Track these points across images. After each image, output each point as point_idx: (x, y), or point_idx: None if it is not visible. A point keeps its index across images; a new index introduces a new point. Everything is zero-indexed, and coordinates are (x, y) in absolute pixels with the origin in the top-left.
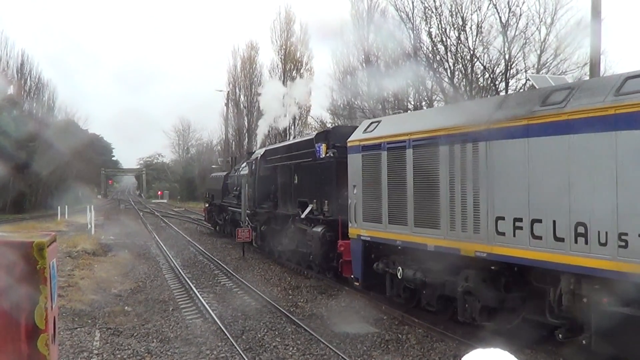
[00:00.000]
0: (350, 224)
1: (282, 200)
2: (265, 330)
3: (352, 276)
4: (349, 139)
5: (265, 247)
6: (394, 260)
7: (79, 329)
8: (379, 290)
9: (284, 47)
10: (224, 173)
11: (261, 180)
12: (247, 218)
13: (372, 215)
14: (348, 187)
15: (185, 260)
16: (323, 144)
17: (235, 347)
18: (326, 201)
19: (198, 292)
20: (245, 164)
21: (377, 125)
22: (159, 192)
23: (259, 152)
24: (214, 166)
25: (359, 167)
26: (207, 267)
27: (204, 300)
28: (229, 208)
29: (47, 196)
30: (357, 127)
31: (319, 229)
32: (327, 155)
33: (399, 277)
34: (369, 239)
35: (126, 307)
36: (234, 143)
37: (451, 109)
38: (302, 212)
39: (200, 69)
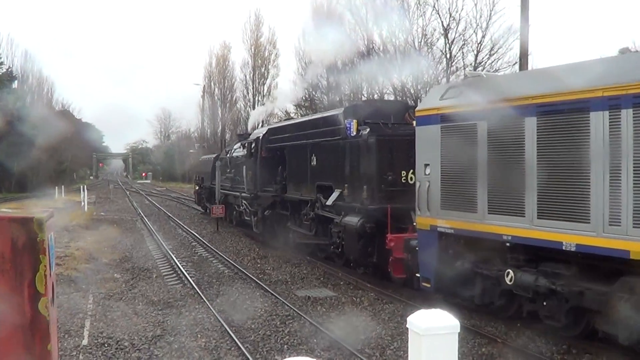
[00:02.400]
0: (418, 212)
1: (293, 183)
2: (237, 294)
3: (400, 277)
4: (418, 108)
5: (266, 234)
6: (495, 260)
7: (74, 293)
8: (455, 293)
9: (253, 46)
10: (214, 155)
11: (264, 161)
12: (240, 199)
13: (457, 201)
14: (416, 166)
15: (166, 233)
16: (354, 121)
17: (211, 309)
18: (365, 186)
19: (178, 261)
20: (239, 145)
21: (464, 90)
22: (144, 174)
23: (258, 131)
24: (191, 151)
25: (436, 141)
26: (186, 240)
27: (183, 268)
28: (221, 191)
29: (47, 177)
30: (390, 100)
31: (354, 219)
32: (361, 133)
33: (508, 282)
34: (450, 231)
35: (115, 275)
36: (209, 131)
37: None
38: (324, 198)
39: (179, 65)
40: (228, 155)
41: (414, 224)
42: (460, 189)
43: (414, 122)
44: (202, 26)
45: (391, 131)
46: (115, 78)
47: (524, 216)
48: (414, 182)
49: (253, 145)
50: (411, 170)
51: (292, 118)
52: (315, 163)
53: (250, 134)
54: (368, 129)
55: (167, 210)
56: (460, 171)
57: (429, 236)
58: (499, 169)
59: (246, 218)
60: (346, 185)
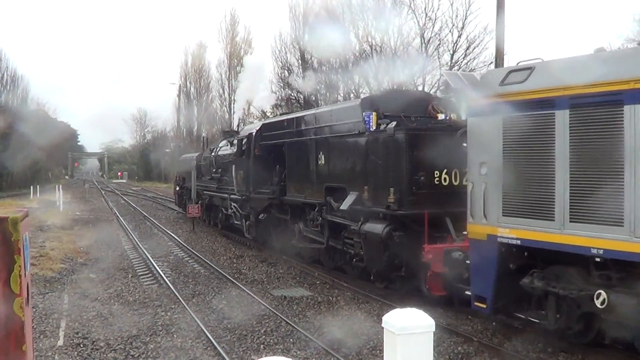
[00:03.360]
0: (470, 219)
1: (294, 185)
2: (213, 294)
3: (439, 294)
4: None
5: (260, 239)
6: (576, 278)
7: (49, 293)
8: (518, 315)
9: (229, 45)
10: (196, 154)
11: (258, 160)
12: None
13: (526, 207)
14: (468, 165)
15: (142, 233)
16: (373, 113)
17: (187, 309)
18: (391, 189)
19: (154, 261)
20: (225, 142)
21: (530, 74)
22: (119, 173)
23: (250, 127)
24: (167, 150)
25: (496, 134)
26: (162, 239)
27: (159, 268)
28: (205, 192)
29: (22, 177)
30: (411, 90)
31: (378, 227)
32: (384, 127)
33: (599, 305)
34: (515, 241)
35: (91, 275)
36: (184, 130)
37: None
38: (335, 202)
39: (155, 64)
40: (213, 153)
41: (464, 232)
42: (529, 192)
43: (439, 115)
44: (177, 26)
45: (420, 125)
46: (90, 78)
47: (622, 226)
48: (450, 183)
49: (245, 142)
50: (445, 170)
51: (291, 112)
52: (323, 162)
53: (237, 131)
54: (394, 122)
55: (143, 210)
56: (530, 171)
57: (486, 247)
58: (586, 168)
59: (236, 222)
60: (366, 187)
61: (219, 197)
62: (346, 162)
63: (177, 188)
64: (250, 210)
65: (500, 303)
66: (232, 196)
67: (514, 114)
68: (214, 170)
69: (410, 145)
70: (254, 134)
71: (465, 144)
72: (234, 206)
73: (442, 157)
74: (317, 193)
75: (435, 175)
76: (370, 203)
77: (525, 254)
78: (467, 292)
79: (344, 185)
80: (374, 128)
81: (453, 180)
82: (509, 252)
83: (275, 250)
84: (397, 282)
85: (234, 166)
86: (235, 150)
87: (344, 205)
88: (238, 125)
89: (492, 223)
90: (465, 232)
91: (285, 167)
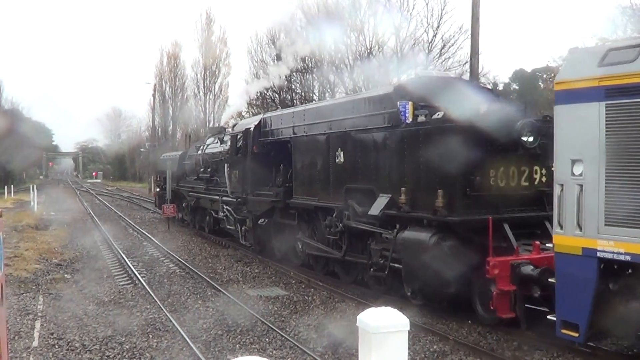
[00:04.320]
0: (558, 230)
1: (303, 186)
2: (189, 294)
3: (507, 317)
4: (558, 80)
5: (258, 246)
6: None
7: (24, 294)
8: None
9: (204, 44)
10: (179, 153)
11: (257, 159)
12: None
13: (638, 214)
14: (556, 162)
15: (117, 233)
16: (410, 103)
17: (162, 309)
18: (440, 191)
19: (129, 261)
20: (214, 140)
21: None
22: (94, 173)
23: (246, 122)
24: (142, 150)
25: (596, 125)
26: (137, 239)
27: (134, 268)
28: (191, 193)
29: None
30: (447, 75)
31: (422, 235)
32: (421, 118)
33: None
34: (624, 257)
35: (66, 275)
36: (160, 129)
37: None
38: (360, 206)
39: (130, 64)
40: (200, 152)
41: (548, 244)
42: None
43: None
44: (153, 25)
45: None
46: (66, 77)
47: None
48: (508, 184)
49: (241, 139)
50: (502, 169)
51: (295, 106)
52: (342, 160)
53: (225, 128)
54: (442, 113)
55: (118, 210)
56: None
57: (581, 264)
58: None
59: (228, 227)
60: (403, 189)
61: (208, 199)
62: (374, 160)
63: (158, 189)
64: (247, 214)
65: (601, 332)
66: (224, 198)
67: (625, 100)
68: (202, 169)
69: (464, 140)
70: (251, 129)
71: (526, 138)
72: (226, 209)
73: (499, 154)
74: (334, 195)
75: (491, 175)
76: (408, 207)
77: (629, 271)
78: (551, 317)
79: (371, 186)
80: (410, 120)
81: (510, 181)
82: (613, 269)
83: (277, 259)
84: (443, 301)
85: (226, 165)
86: (227, 147)
87: (374, 210)
88: (227, 122)
89: (589, 234)
90: (538, 243)
91: (291, 167)
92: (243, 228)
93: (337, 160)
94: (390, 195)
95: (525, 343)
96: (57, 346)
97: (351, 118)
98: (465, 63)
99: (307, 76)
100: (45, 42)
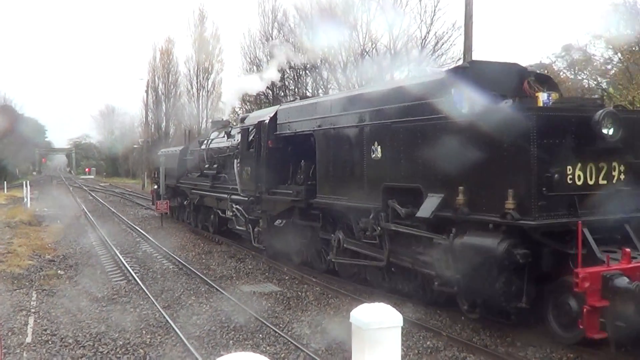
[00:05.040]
0: None
1: (330, 184)
2: (182, 290)
3: (598, 337)
4: None
5: (272, 249)
6: None
7: (17, 290)
8: None
9: (197, 41)
10: (179, 148)
11: (272, 154)
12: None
13: None
14: None
15: (110, 230)
16: (464, 91)
17: (156, 305)
18: (510, 190)
19: (122, 257)
20: (219, 134)
21: None
22: (87, 169)
23: (258, 114)
24: (135, 146)
25: None
26: (130, 235)
27: (127, 264)
28: (193, 191)
29: None
30: (500, 61)
31: (489, 241)
32: (481, 107)
33: None
34: None
35: (59, 271)
36: (153, 126)
37: None
38: (400, 206)
39: (124, 60)
40: (204, 146)
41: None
42: None
43: (539, 95)
44: (146, 22)
45: (558, 104)
46: (59, 74)
47: None
48: (585, 182)
49: (253, 132)
50: (578, 165)
51: (318, 96)
52: (379, 155)
53: (229, 121)
54: (510, 101)
55: (111, 206)
56: None
57: None
58: None
59: (238, 227)
60: (461, 188)
61: (214, 198)
62: (422, 155)
63: (156, 187)
64: (260, 214)
65: None
66: (233, 197)
67: None
68: (207, 166)
69: (539, 131)
70: (266, 122)
71: (606, 130)
72: (236, 209)
73: (576, 148)
74: (369, 195)
75: (568, 172)
76: (467, 209)
77: None
78: None
79: (418, 185)
80: (466, 110)
81: (588, 178)
82: None
83: (295, 265)
84: (509, 316)
85: (236, 161)
86: (236, 142)
87: (424, 212)
88: (230, 116)
89: None
90: (629, 250)
91: (313, 163)
92: (256, 229)
93: (374, 156)
94: (442, 195)
95: (519, 339)
96: (50, 342)
97: (392, 108)
98: (458, 60)
99: (301, 72)
100: (38, 39)
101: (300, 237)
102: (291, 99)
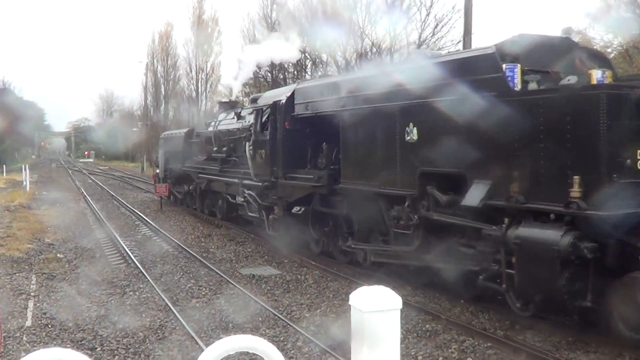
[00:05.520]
0: None
1: (357, 168)
2: (181, 274)
3: None
4: None
5: (288, 237)
6: None
7: (17, 274)
8: None
9: (196, 23)
10: (184, 130)
11: (290, 136)
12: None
13: None
14: None
15: (109, 213)
16: (518, 66)
17: (155, 289)
18: (575, 177)
19: (122, 240)
20: (228, 115)
21: None
22: (86, 153)
23: (273, 94)
24: (134, 129)
25: None
26: (129, 219)
27: (127, 247)
28: (200, 175)
29: None
30: (549, 34)
31: (552, 234)
32: (532, 85)
33: None
34: None
35: (58, 255)
36: (152, 109)
37: None
38: (440, 192)
39: (123, 43)
40: (212, 128)
41: None
42: None
43: (592, 72)
44: (145, 4)
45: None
46: (58, 57)
47: None
48: None
49: (268, 113)
50: None
51: (342, 73)
52: (415, 137)
53: (237, 102)
54: (574, 78)
55: (110, 189)
56: None
57: None
58: None
59: (250, 214)
60: (516, 173)
61: (223, 183)
62: (466, 138)
63: (158, 171)
64: (276, 200)
65: None
66: (245, 182)
67: None
68: (216, 149)
69: (608, 112)
70: (283, 102)
71: None
72: (248, 194)
73: None
74: (403, 181)
75: (639, 156)
76: (523, 197)
77: None
78: None
79: (461, 170)
80: (519, 87)
81: None
82: None
83: (312, 254)
84: (570, 314)
85: (248, 144)
86: (248, 123)
87: (471, 200)
88: (237, 96)
89: None
90: None
91: (336, 145)
92: (270, 216)
93: (408, 138)
94: (491, 182)
95: (517, 322)
96: (50, 326)
97: (430, 85)
98: (458, 42)
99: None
100: (37, 23)
101: (320, 225)
102: (290, 82)
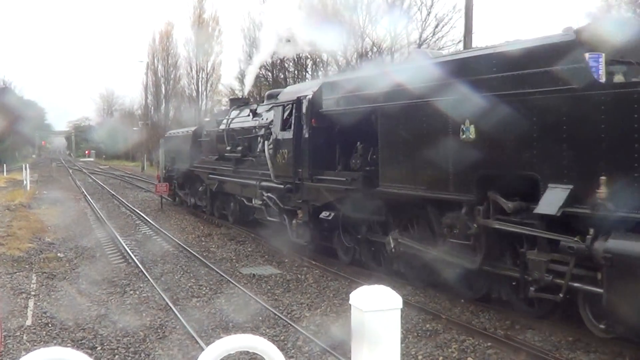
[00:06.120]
0: None
1: (399, 170)
2: (182, 273)
3: None
4: None
5: (315, 245)
6: None
7: (17, 273)
8: None
9: (197, 23)
10: (192, 129)
11: (317, 134)
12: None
13: None
14: None
15: (110, 212)
16: (602, 55)
17: (156, 288)
18: None
19: (122, 239)
20: (239, 112)
21: None
22: (87, 152)
23: (295, 89)
24: (135, 129)
25: None
26: (130, 218)
27: (127, 246)
28: (211, 176)
29: None
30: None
31: None
32: (618, 77)
33: None
34: None
35: (59, 254)
36: (152, 108)
37: None
38: (504, 198)
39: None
40: (223, 126)
41: None
42: None
43: None
44: (146, 4)
45: None
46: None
47: None
48: None
49: (291, 109)
50: None
51: (380, 66)
52: (474, 135)
53: (247, 98)
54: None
55: (111, 188)
56: None
57: None
58: None
59: (269, 218)
60: (603, 178)
61: (237, 184)
62: (539, 136)
63: (163, 171)
64: (301, 204)
65: None
66: (263, 183)
67: None
68: (229, 148)
69: None
70: (309, 97)
71: None
72: (266, 197)
73: None
74: (457, 184)
75: None
76: (613, 205)
77: None
78: None
79: (532, 172)
80: (603, 79)
81: None
82: None
83: (344, 264)
84: None
85: (267, 143)
86: (265, 121)
87: (546, 207)
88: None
89: None
90: None
91: (373, 145)
92: (294, 221)
93: (464, 136)
94: (571, 187)
95: (518, 322)
96: (50, 325)
97: (493, 77)
98: (458, 42)
99: (301, 55)
100: (37, 22)
101: (352, 232)
102: (291, 82)
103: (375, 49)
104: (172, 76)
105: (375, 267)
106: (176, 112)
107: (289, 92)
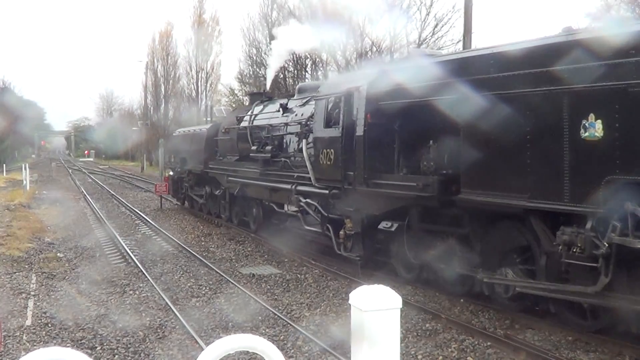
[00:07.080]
0: None
1: (490, 174)
2: (181, 273)
3: None
4: None
5: (370, 262)
6: None
7: (17, 273)
8: None
9: (197, 22)
10: (206, 127)
11: (373, 132)
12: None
13: None
14: None
15: (109, 212)
16: None
17: (155, 288)
18: None
19: (121, 239)
20: (263, 107)
21: None
22: (86, 152)
23: (341, 80)
24: (134, 128)
25: None
26: (129, 218)
27: (127, 246)
28: (230, 178)
29: None
30: None
31: None
32: None
33: None
34: None
35: (58, 254)
36: (152, 108)
37: None
38: None
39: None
40: (247, 123)
41: None
42: None
43: None
44: (146, 4)
45: None
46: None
47: None
48: None
49: (338, 104)
50: None
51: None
52: (601, 134)
53: (269, 92)
54: None
55: (110, 188)
56: None
57: None
58: None
59: (307, 227)
60: None
61: (265, 188)
62: None
63: (171, 173)
64: (351, 212)
65: None
66: (300, 187)
67: None
68: (254, 147)
69: None
70: (362, 89)
71: None
72: (304, 203)
73: None
74: (575, 193)
75: None
76: None
77: None
78: None
79: None
80: None
81: None
82: None
83: (404, 281)
84: None
85: (305, 141)
86: (299, 117)
87: None
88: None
89: None
90: None
91: (452, 144)
92: (342, 232)
93: (586, 134)
94: None
95: (517, 322)
96: (50, 325)
97: (629, 62)
98: (458, 42)
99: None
100: (37, 22)
101: (423, 247)
102: (291, 82)
103: (374, 49)
104: (171, 76)
105: (455, 289)
106: (176, 112)
107: (332, 84)
